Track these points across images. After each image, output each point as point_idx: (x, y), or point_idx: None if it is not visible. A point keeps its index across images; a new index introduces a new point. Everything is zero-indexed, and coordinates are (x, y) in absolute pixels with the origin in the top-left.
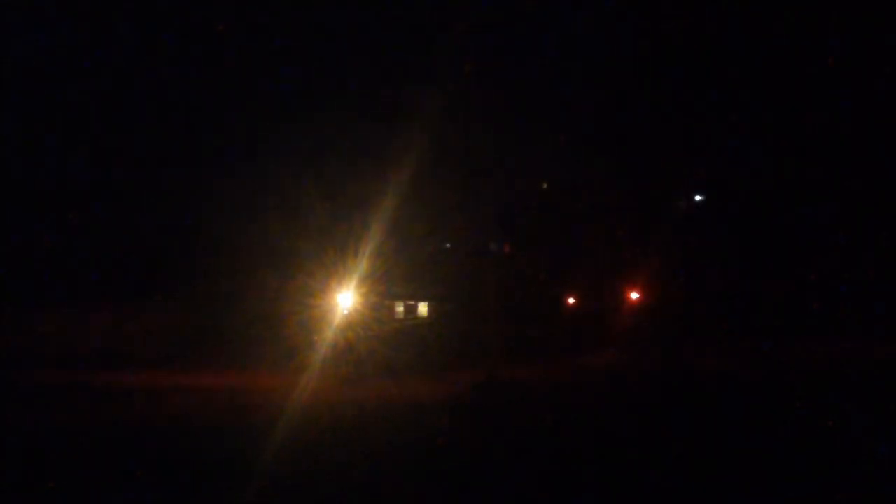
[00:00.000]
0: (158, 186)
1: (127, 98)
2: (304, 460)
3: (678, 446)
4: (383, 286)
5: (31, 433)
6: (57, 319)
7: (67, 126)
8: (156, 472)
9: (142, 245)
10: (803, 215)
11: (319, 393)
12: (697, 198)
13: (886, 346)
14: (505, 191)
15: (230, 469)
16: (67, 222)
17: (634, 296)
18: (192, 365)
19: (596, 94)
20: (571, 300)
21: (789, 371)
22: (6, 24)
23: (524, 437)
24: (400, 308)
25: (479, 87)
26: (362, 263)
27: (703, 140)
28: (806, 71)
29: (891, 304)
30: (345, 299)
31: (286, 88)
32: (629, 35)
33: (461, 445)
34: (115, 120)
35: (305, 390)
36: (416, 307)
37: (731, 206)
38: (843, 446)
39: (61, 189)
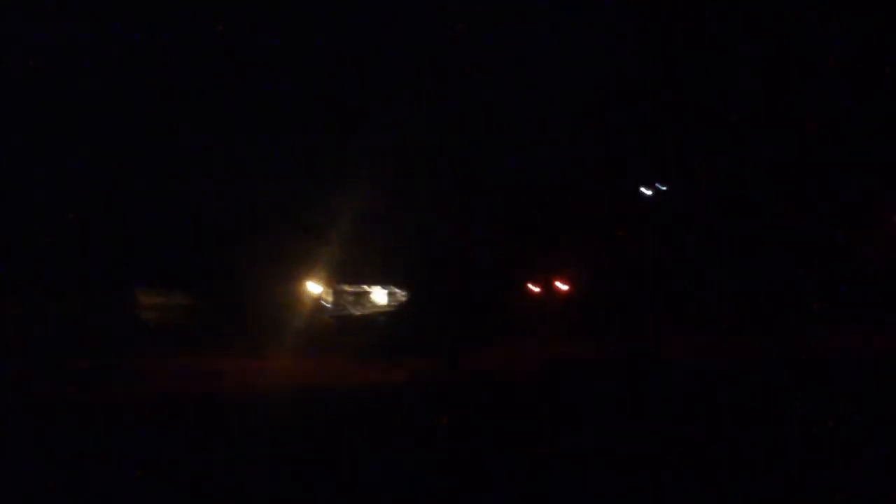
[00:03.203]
0: (150, 177)
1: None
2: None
3: (658, 442)
4: (350, 272)
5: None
6: (62, 306)
7: (81, 120)
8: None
9: (133, 234)
10: (772, 205)
11: (273, 378)
12: (662, 187)
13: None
14: (471, 179)
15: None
16: (70, 213)
17: (600, 283)
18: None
19: (565, 84)
20: (538, 287)
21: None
22: (6, 24)
23: (473, 425)
24: (365, 293)
25: (450, 77)
26: (331, 249)
27: (673, 128)
28: (777, 60)
29: (853, 295)
30: (312, 286)
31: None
32: (597, 26)
33: (403, 434)
34: (122, 116)
35: (259, 375)
36: (379, 294)
37: (699, 196)
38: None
39: (66, 180)
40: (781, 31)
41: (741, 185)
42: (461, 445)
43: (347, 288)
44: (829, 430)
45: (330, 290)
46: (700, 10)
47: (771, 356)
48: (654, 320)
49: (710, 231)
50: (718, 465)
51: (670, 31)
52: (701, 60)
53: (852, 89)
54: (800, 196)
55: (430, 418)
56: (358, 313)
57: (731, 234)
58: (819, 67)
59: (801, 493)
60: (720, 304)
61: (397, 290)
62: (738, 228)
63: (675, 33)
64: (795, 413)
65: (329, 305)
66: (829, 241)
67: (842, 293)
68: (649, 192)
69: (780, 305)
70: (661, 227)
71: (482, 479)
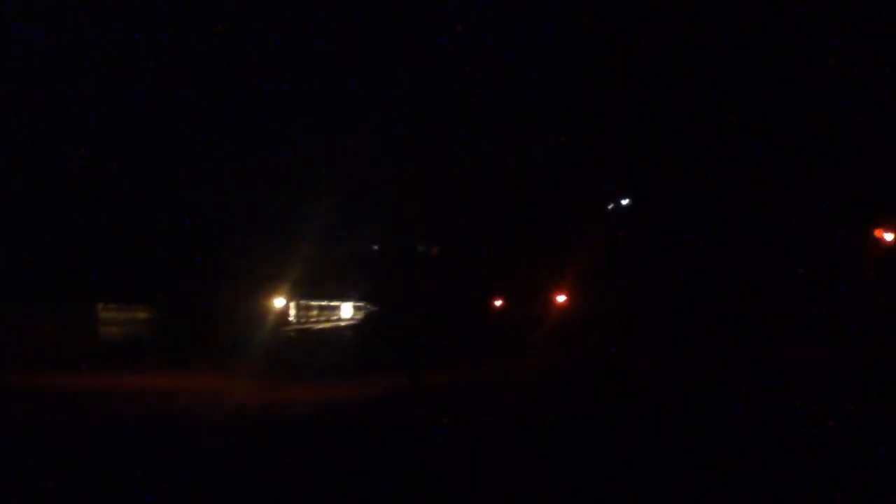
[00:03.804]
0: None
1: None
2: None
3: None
4: (312, 289)
5: None
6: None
7: (59, 128)
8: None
9: (96, 249)
10: (750, 207)
11: (235, 397)
12: (626, 201)
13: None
14: (435, 191)
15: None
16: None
17: (567, 299)
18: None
19: (531, 92)
20: (502, 303)
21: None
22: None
23: (439, 439)
24: (330, 308)
25: (410, 85)
26: (293, 266)
27: (653, 136)
28: (749, 65)
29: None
30: (276, 302)
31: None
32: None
33: (373, 447)
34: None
35: (218, 394)
36: (344, 308)
37: (671, 208)
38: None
39: (29, 196)
40: (774, 38)
41: (721, 196)
42: (442, 459)
43: (312, 302)
44: (829, 430)
45: (294, 305)
46: (690, 18)
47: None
48: (630, 333)
49: (684, 243)
50: (719, 465)
51: (660, 41)
52: (689, 71)
53: (845, 96)
54: (785, 207)
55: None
56: (320, 327)
57: (711, 245)
58: (813, 73)
59: (802, 492)
60: (701, 315)
61: (363, 305)
62: (718, 239)
63: (666, 44)
64: (795, 413)
65: (293, 320)
66: (815, 254)
67: (838, 295)
68: (622, 206)
69: (768, 314)
70: (635, 241)
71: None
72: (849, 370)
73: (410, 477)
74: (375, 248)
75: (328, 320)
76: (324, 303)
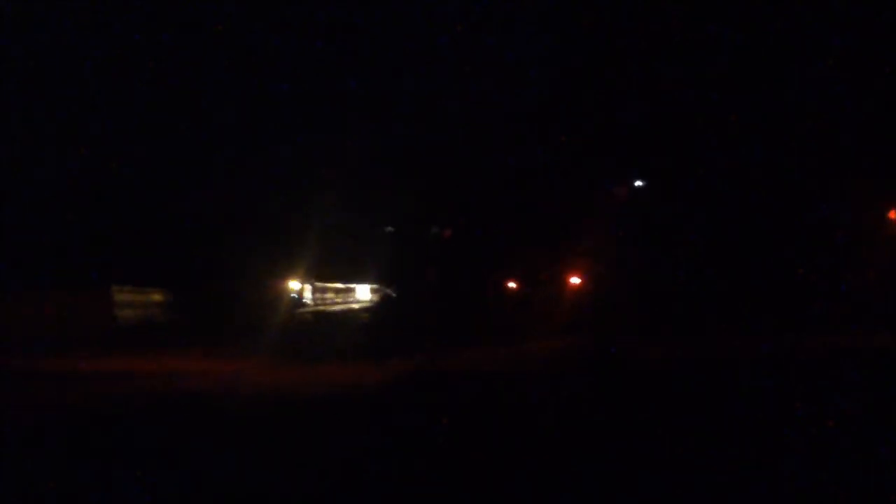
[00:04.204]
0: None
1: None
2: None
3: (651, 438)
4: (328, 271)
5: None
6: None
7: (67, 120)
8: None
9: (111, 232)
10: (752, 202)
11: (253, 377)
12: (640, 183)
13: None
14: (449, 175)
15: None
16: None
17: (580, 282)
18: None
19: (541, 79)
20: (516, 285)
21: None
22: (6, 24)
23: (447, 425)
24: (346, 291)
25: (424, 72)
26: (309, 249)
27: (655, 124)
28: (749, 65)
29: (848, 295)
30: (292, 284)
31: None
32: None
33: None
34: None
35: (233, 375)
36: (360, 291)
37: (681, 192)
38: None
39: (43, 181)
40: (774, 30)
41: (729, 185)
42: (445, 447)
43: (328, 285)
44: (829, 430)
45: (310, 287)
46: (690, 18)
47: (765, 356)
48: (640, 321)
49: (694, 231)
50: (719, 465)
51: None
52: (689, 71)
53: (846, 90)
54: (789, 198)
55: (412, 420)
56: (336, 309)
57: (717, 235)
58: (815, 66)
59: (802, 493)
60: (706, 305)
61: (379, 288)
62: (724, 229)
63: (666, 34)
64: (795, 413)
65: (308, 302)
66: (818, 242)
67: (840, 293)
68: (631, 191)
69: (770, 306)
70: (644, 228)
71: (468, 482)
72: (849, 370)
73: (414, 459)
74: (390, 230)
75: (345, 302)
76: (340, 285)
